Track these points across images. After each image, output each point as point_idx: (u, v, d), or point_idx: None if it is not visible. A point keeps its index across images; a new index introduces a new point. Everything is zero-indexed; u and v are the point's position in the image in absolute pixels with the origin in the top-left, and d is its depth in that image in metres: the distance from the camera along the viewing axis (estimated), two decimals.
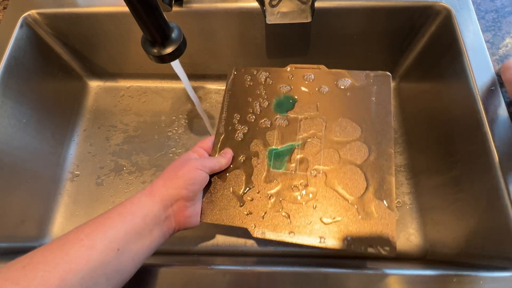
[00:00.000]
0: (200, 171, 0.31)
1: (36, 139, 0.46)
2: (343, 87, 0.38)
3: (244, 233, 0.45)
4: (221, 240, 0.45)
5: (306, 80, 0.40)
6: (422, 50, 0.47)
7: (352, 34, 0.47)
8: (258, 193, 0.34)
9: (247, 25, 0.46)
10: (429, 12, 0.43)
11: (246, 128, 0.38)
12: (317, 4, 0.41)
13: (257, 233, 0.32)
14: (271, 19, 0.41)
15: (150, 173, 0.50)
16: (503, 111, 0.36)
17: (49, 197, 0.48)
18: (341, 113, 0.37)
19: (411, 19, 0.44)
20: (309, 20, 0.40)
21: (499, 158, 0.33)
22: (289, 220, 0.32)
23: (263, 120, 0.38)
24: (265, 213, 0.33)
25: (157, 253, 0.41)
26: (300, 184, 0.34)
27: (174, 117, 0.54)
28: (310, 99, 0.38)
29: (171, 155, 0.51)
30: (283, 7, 0.41)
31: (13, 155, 0.42)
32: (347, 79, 0.39)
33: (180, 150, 0.51)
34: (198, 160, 0.32)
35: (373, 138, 0.35)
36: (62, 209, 0.48)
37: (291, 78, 0.40)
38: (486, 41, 0.40)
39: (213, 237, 0.45)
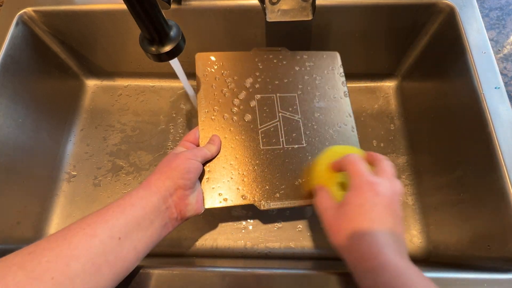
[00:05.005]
0: (193, 160, 0.32)
1: (32, 139, 0.45)
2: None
3: (236, 234, 0.44)
4: (220, 242, 0.44)
5: (273, 59, 0.42)
6: (425, 49, 0.47)
7: (354, 32, 0.47)
8: (253, 170, 0.36)
9: (247, 23, 0.45)
10: (432, 10, 0.43)
11: (228, 112, 0.38)
12: (318, 2, 0.41)
13: (263, 206, 0.34)
14: (271, 17, 0.40)
15: (148, 174, 0.49)
16: (507, 110, 0.35)
17: (45, 198, 0.47)
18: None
19: (414, 17, 0.44)
20: (310, 18, 0.40)
21: (503, 158, 0.33)
22: (288, 189, 0.35)
23: (242, 103, 0.39)
24: (266, 187, 0.35)
25: (156, 255, 0.41)
26: (293, 155, 0.37)
27: (172, 117, 0.53)
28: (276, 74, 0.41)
29: None
30: (284, 5, 0.40)
31: (8, 155, 0.41)
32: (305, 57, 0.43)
33: None
34: (189, 151, 0.33)
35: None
36: (58, 210, 0.47)
37: (257, 60, 0.42)
38: (490, 39, 0.40)
39: (212, 239, 0.44)
